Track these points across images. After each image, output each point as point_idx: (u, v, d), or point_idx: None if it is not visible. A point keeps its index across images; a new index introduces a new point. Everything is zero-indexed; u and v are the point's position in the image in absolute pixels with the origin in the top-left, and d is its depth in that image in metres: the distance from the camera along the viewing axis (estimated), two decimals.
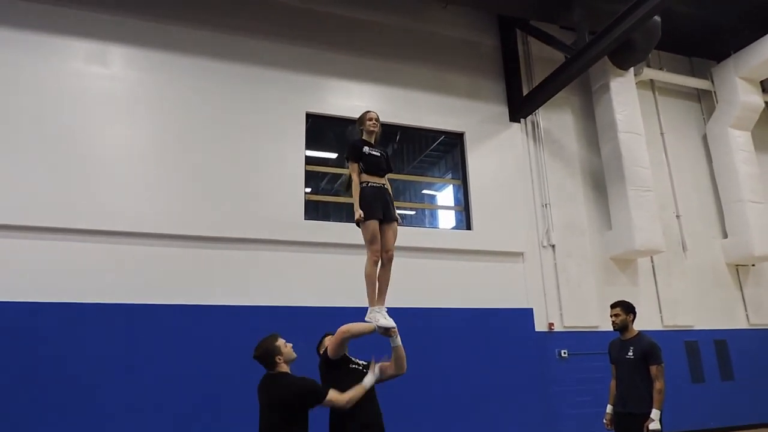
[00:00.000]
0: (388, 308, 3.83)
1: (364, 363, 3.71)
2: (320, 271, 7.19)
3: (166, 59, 7.28)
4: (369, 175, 3.98)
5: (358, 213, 3.79)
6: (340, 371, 3.55)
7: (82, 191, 6.41)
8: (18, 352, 5.75)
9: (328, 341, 3.64)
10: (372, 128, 4.19)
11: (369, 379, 3.46)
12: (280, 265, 7.06)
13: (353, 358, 3.70)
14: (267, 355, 3.17)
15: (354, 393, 3.33)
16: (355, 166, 4.00)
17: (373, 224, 3.78)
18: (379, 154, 4.12)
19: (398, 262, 7.27)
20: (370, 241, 3.77)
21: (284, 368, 3.21)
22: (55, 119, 6.55)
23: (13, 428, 5.55)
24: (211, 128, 7.24)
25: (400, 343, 3.62)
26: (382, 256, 3.82)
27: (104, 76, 6.96)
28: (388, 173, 4.19)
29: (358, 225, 3.86)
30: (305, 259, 7.19)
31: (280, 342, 3.26)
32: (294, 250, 7.19)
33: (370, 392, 3.51)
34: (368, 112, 4.30)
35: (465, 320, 7.70)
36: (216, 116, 7.31)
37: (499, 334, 7.84)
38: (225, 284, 6.75)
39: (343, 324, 3.62)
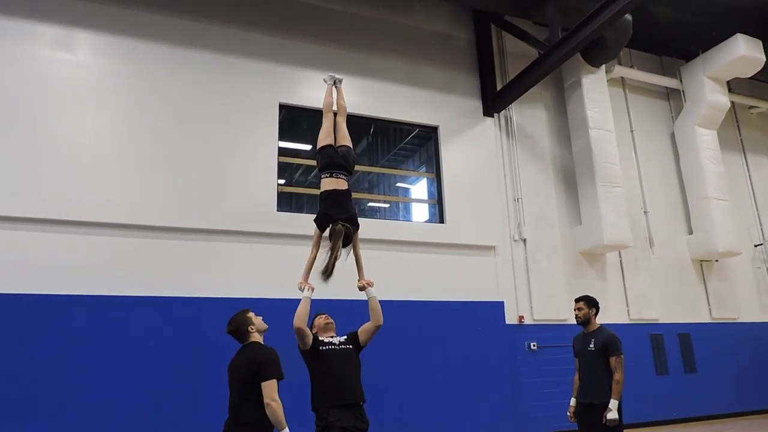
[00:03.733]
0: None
1: (341, 339, 3.75)
2: (293, 263, 7.07)
3: (135, 46, 7.13)
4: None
5: None
6: (313, 355, 3.60)
7: (45, 180, 6.25)
8: None
9: None
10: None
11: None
12: (252, 257, 7.01)
13: (325, 339, 3.71)
14: (239, 326, 3.36)
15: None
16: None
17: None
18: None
19: (372, 255, 7.30)
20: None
21: (257, 338, 3.35)
22: (19, 106, 6.37)
23: None
24: (183, 118, 7.13)
25: (375, 294, 3.78)
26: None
27: (71, 63, 6.79)
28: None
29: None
30: (278, 251, 7.15)
31: (251, 314, 3.46)
32: (267, 242, 7.14)
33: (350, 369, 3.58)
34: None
35: (437, 313, 7.77)
36: (187, 106, 7.20)
37: (471, 327, 7.94)
38: (195, 276, 6.68)
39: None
